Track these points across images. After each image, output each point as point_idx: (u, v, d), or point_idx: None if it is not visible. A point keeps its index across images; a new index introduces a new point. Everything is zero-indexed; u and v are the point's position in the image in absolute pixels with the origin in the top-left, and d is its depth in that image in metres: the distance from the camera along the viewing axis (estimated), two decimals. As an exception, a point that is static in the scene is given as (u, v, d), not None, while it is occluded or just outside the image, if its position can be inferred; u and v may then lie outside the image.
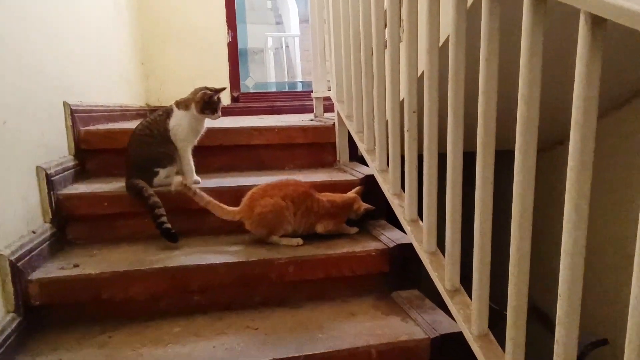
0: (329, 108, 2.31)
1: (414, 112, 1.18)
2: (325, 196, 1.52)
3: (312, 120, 2.25)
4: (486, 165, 0.88)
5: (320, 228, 1.48)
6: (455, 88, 0.95)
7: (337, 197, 1.54)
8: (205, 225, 1.58)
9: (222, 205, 1.43)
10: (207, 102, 1.58)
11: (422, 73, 1.08)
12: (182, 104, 1.62)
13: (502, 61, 0.84)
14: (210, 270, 1.30)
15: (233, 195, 1.56)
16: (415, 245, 1.20)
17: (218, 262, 1.31)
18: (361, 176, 1.68)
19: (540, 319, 2.10)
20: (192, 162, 1.65)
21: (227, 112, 3.02)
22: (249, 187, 1.54)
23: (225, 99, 3.16)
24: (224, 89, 1.64)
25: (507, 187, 0.94)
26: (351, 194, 1.57)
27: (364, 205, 1.54)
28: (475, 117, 0.88)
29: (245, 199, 1.45)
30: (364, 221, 1.64)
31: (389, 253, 1.40)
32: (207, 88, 1.61)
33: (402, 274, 1.41)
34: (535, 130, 0.76)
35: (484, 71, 0.84)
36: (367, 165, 1.62)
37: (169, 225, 1.44)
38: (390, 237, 1.46)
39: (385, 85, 1.37)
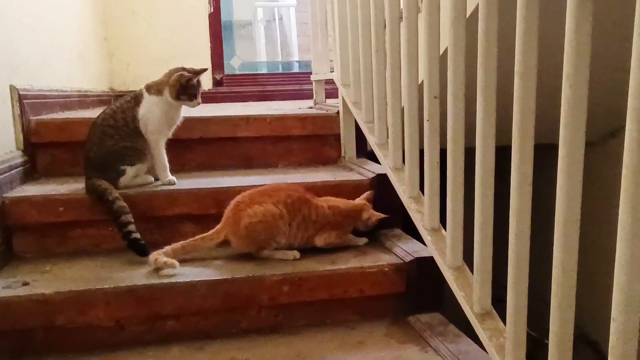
0: (331, 93, 2.32)
1: (435, 97, 1.18)
2: (327, 202, 1.52)
3: (311, 108, 2.25)
4: (524, 162, 0.87)
5: (320, 241, 1.48)
6: (485, 68, 0.95)
7: (342, 203, 1.54)
8: (181, 235, 1.57)
9: (196, 237, 1.43)
10: (184, 86, 1.58)
11: (446, 50, 1.08)
12: (154, 89, 1.62)
13: (542, 36, 0.84)
14: (188, 290, 1.30)
15: (215, 199, 1.57)
16: (437, 259, 1.20)
17: (197, 279, 1.31)
18: (371, 176, 1.68)
19: (589, 348, 2.09)
20: (165, 159, 1.65)
21: (209, 98, 3.04)
22: (235, 189, 1.54)
23: (206, 82, 3.16)
24: (204, 70, 1.64)
25: (546, 189, 0.93)
26: (360, 200, 1.57)
27: (376, 216, 1.54)
28: (509, 103, 0.88)
29: (228, 211, 1.45)
30: (374, 230, 1.63)
31: (405, 269, 1.40)
32: (184, 69, 1.61)
33: (420, 294, 1.40)
34: (583, 120, 0.75)
35: (521, 47, 0.84)
36: (378, 162, 1.62)
37: (137, 235, 1.45)
38: (407, 249, 1.46)
39: (400, 65, 1.37)
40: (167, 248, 1.39)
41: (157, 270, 1.34)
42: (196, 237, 1.43)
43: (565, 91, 0.75)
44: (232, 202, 1.45)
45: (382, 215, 1.54)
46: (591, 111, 0.76)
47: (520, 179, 0.88)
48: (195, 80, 1.60)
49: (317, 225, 1.48)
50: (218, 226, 1.44)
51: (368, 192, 1.60)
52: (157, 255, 1.36)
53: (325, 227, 1.49)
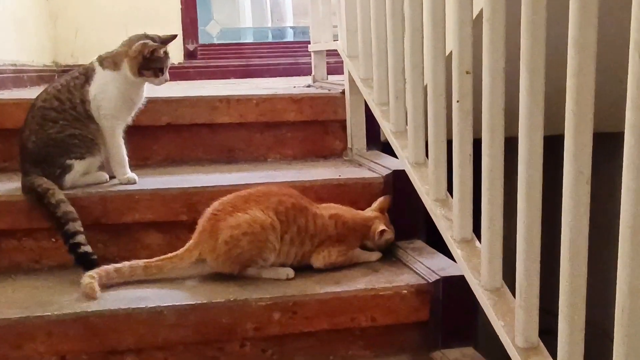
0: (335, 68, 2.32)
1: (467, 72, 1.17)
2: (328, 210, 1.53)
3: (309, 86, 2.25)
4: (580, 156, 0.87)
5: (318, 260, 1.49)
6: (532, 35, 0.94)
7: (347, 212, 1.55)
8: (144, 248, 1.59)
9: (163, 258, 1.43)
10: (147, 59, 1.59)
11: (481, 12, 1.07)
12: (109, 62, 1.62)
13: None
14: (152, 318, 1.30)
15: (186, 202, 1.57)
16: (470, 278, 1.20)
17: (164, 305, 1.30)
18: (386, 173, 1.68)
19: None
20: (124, 151, 1.65)
21: (179, 74, 3.04)
22: (212, 190, 1.55)
23: (175, 53, 3.15)
24: (173, 37, 1.64)
25: (611, 188, 0.93)
26: (371, 212, 1.58)
27: (388, 234, 1.56)
28: (560, 82, 0.88)
29: (203, 221, 1.45)
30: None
31: (429, 291, 1.40)
32: (147, 37, 1.61)
33: (448, 323, 1.40)
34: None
35: (576, 9, 0.83)
36: (394, 155, 1.62)
37: (88, 249, 1.45)
38: (431, 266, 1.46)
39: (422, 32, 1.36)
40: (121, 267, 1.39)
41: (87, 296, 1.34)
42: (162, 257, 1.43)
43: (632, 64, 0.75)
44: (208, 210, 1.45)
45: (391, 235, 1.56)
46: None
47: (576, 176, 0.88)
48: (161, 52, 1.60)
49: (315, 240, 1.48)
50: (191, 241, 1.44)
51: (382, 199, 1.61)
52: (90, 279, 1.34)
53: (325, 242, 1.49)
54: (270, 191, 1.49)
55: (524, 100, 0.98)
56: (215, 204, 1.46)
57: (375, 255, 1.57)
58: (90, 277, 1.35)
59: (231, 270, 1.43)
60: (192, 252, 1.43)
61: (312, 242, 1.48)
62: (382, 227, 1.54)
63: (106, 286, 1.37)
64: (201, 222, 1.45)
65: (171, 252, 1.47)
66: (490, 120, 1.09)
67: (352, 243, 1.54)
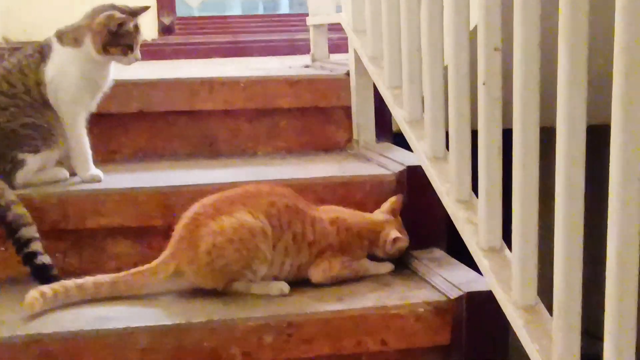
0: (338, 46, 2.32)
1: (495, 49, 1.18)
2: (329, 213, 1.54)
3: (307, 66, 2.26)
4: (628, 148, 0.87)
5: (318, 273, 1.50)
6: (572, 5, 0.95)
7: (351, 215, 1.56)
8: (111, 259, 1.59)
9: (134, 273, 1.43)
10: (114, 34, 1.59)
11: (511, -23, 1.08)
12: (70, 37, 1.63)
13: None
14: (120, 342, 1.30)
15: (161, 204, 1.58)
16: (499, 293, 1.20)
17: (135, 326, 1.31)
18: (399, 169, 1.69)
19: None
20: (87, 143, 1.66)
21: (153, 52, 3.04)
22: (192, 189, 1.56)
23: (149, 28, 3.16)
24: (145, 8, 1.65)
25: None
26: (381, 214, 1.59)
27: (402, 241, 1.56)
28: (606, 61, 0.88)
29: (180, 228, 1.45)
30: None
31: (451, 309, 1.40)
32: (114, 7, 1.62)
33: (473, 347, 1.40)
34: None
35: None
36: (409, 148, 1.63)
37: (46, 259, 1.45)
38: (453, 279, 1.46)
39: (442, 2, 1.36)
40: (83, 282, 1.39)
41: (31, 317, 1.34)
42: (133, 270, 1.43)
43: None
44: (187, 214, 1.46)
45: (404, 242, 1.56)
46: None
47: (626, 172, 0.88)
48: (131, 25, 1.60)
49: (314, 249, 1.48)
50: (166, 252, 1.45)
51: (394, 198, 1.61)
52: (38, 295, 1.34)
53: (326, 252, 1.50)
54: (260, 191, 1.49)
55: (563, 82, 0.98)
56: (195, 207, 1.46)
57: (386, 267, 1.58)
58: (39, 293, 1.34)
59: (215, 285, 1.44)
60: (168, 264, 1.43)
61: (310, 252, 1.48)
62: (394, 233, 1.54)
63: (65, 304, 1.38)
64: (178, 228, 1.45)
65: (143, 264, 1.47)
66: (523, 106, 1.09)
67: (358, 253, 1.54)
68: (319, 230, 1.49)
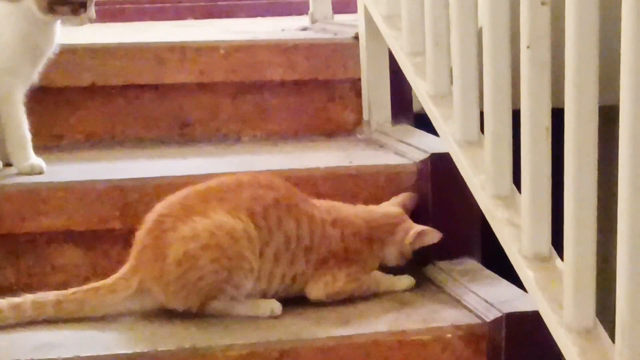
0: (345, 3, 2.32)
1: (542, 3, 1.17)
2: (330, 212, 1.54)
3: (305, 29, 2.26)
4: None
5: (318, 287, 1.51)
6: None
7: (356, 214, 1.57)
8: (56, 271, 1.60)
9: (86, 290, 1.43)
10: None
11: None
12: (4, -10, 1.63)
13: None
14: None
15: (120, 202, 1.59)
16: (547, 313, 1.20)
17: (85, 355, 1.30)
18: (421, 157, 1.70)
19: None
20: (25, 125, 1.67)
21: (110, 11, 3.04)
22: (159, 183, 1.57)
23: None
24: None
25: None
26: (391, 206, 1.60)
27: (429, 234, 1.56)
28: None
29: (142, 234, 1.46)
30: (427, 262, 1.65)
31: (487, 335, 1.41)
32: None
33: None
34: None
35: None
36: (433, 131, 1.63)
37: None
38: (489, 297, 1.47)
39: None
40: (20, 302, 1.39)
41: None
42: (85, 287, 1.44)
43: None
44: (151, 216, 1.46)
45: (434, 233, 1.56)
46: None
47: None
48: None
49: (312, 256, 1.49)
50: (127, 264, 1.45)
51: (405, 195, 1.63)
52: None
53: (328, 261, 1.50)
54: (241, 183, 1.50)
55: (628, 48, 0.97)
56: (160, 207, 1.47)
57: (405, 282, 1.58)
58: None
59: (187, 305, 1.44)
60: (128, 280, 1.43)
61: (307, 259, 1.48)
62: (418, 226, 1.55)
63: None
64: (141, 234, 1.46)
65: (96, 278, 1.49)
66: (579, 77, 1.09)
67: (368, 262, 1.55)
68: (319, 232, 1.50)
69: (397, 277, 1.58)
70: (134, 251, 1.45)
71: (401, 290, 1.57)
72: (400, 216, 1.57)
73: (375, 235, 1.55)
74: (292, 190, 1.51)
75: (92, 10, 1.64)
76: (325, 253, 1.50)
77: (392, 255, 1.57)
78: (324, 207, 1.54)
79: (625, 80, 0.91)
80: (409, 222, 1.57)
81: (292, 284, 1.49)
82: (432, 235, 1.55)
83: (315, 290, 1.50)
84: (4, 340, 1.36)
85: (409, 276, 1.59)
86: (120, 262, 1.50)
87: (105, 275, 1.48)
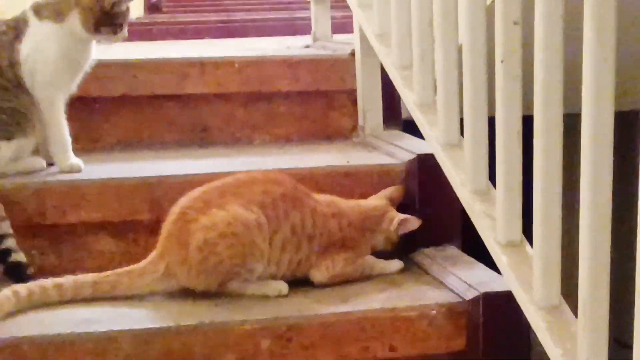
0: (343, 24, 2.32)
1: (515, 23, 1.18)
2: (331, 206, 1.54)
3: (308, 47, 2.26)
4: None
5: (320, 271, 1.51)
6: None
7: (350, 207, 1.56)
8: (93, 257, 1.60)
9: (119, 274, 1.44)
10: (108, 12, 1.60)
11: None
12: (50, 11, 1.63)
13: None
14: (102, 348, 1.30)
15: (148, 197, 1.59)
16: (518, 293, 1.20)
17: (118, 329, 1.31)
18: (408, 157, 1.69)
19: None
20: (66, 130, 1.67)
21: (139, 32, 3.05)
22: (181, 180, 1.57)
23: (134, 5, 3.13)
24: None
25: None
26: (378, 199, 1.60)
27: (410, 222, 1.55)
28: (635, 40, 0.88)
29: (169, 224, 1.46)
30: (414, 249, 1.65)
31: (466, 312, 1.41)
32: None
33: (491, 352, 1.40)
34: None
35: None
36: (420, 135, 1.63)
37: (21, 257, 1.47)
38: (468, 279, 1.47)
39: (456, -28, 1.37)
40: (62, 282, 1.40)
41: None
42: (118, 271, 1.44)
43: None
44: (175, 209, 1.46)
45: (413, 220, 1.55)
46: None
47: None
48: (125, 6, 1.63)
49: (314, 244, 1.49)
50: (154, 251, 1.45)
51: (393, 188, 1.62)
52: (7, 296, 1.34)
53: (328, 249, 1.51)
54: (253, 179, 1.50)
55: (589, 63, 0.97)
56: (183, 201, 1.46)
57: (395, 266, 1.58)
58: (12, 293, 1.35)
59: (207, 286, 1.44)
60: (156, 265, 1.44)
61: (310, 246, 1.48)
62: (400, 215, 1.56)
63: (42, 306, 1.38)
64: (166, 224, 1.46)
65: (128, 262, 1.48)
66: (545, 88, 1.09)
67: (362, 248, 1.56)
68: (320, 223, 1.50)
69: (389, 261, 1.58)
70: (161, 239, 1.45)
71: (392, 273, 1.57)
72: (385, 207, 1.57)
73: (367, 225, 1.55)
74: (297, 186, 1.51)
75: (125, 30, 1.65)
76: (325, 241, 1.50)
77: (381, 241, 1.57)
78: (324, 201, 1.54)
79: (587, 91, 0.91)
80: (394, 212, 1.57)
81: (297, 268, 1.49)
82: (413, 222, 1.55)
83: (318, 275, 1.50)
84: (48, 316, 1.36)
85: (399, 261, 1.59)
86: (148, 249, 1.50)
87: (135, 260, 1.48)
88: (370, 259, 1.57)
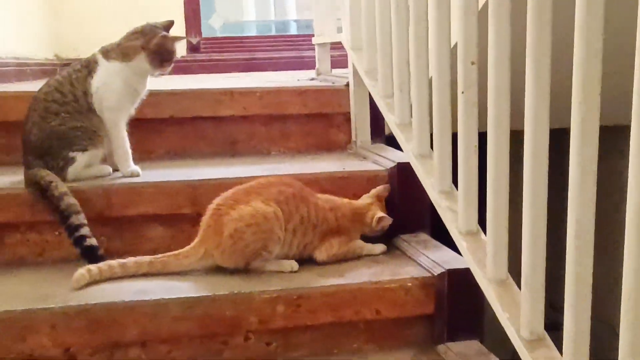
0: (339, 61, 2.32)
1: (472, 63, 1.18)
2: (328, 202, 1.55)
3: (313, 79, 2.26)
4: (587, 145, 0.87)
5: (321, 252, 1.51)
6: (538, 26, 0.95)
7: (345, 204, 1.57)
8: (147, 242, 1.60)
9: (169, 256, 1.45)
10: (165, 50, 1.63)
11: (486, 3, 1.08)
12: (117, 53, 1.64)
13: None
14: (156, 311, 1.30)
15: (190, 195, 1.58)
16: (475, 270, 1.20)
17: (168, 297, 1.31)
18: (390, 165, 1.69)
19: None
20: (127, 144, 1.67)
21: (182, 67, 3.05)
22: (216, 182, 1.56)
23: (179, 46, 3.15)
24: (171, 22, 1.68)
25: (616, 181, 0.93)
26: (368, 198, 1.60)
27: (386, 219, 1.56)
28: (566, 73, 0.88)
29: (207, 218, 1.46)
30: (394, 235, 1.64)
31: (434, 284, 1.41)
32: (156, 27, 1.65)
33: (454, 316, 1.41)
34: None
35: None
36: (399, 148, 1.63)
37: (93, 242, 1.47)
38: (436, 259, 1.47)
39: (427, 23, 1.36)
40: (125, 262, 1.41)
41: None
42: (169, 254, 1.45)
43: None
44: (211, 206, 1.47)
45: (388, 218, 1.56)
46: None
47: (582, 166, 0.88)
48: (176, 43, 1.65)
49: (317, 231, 1.50)
50: (196, 239, 1.46)
51: (381, 187, 1.62)
52: (85, 272, 1.36)
53: (327, 235, 1.51)
54: (270, 182, 1.50)
55: (530, 92, 0.98)
56: (217, 200, 1.47)
57: (379, 248, 1.58)
58: (86, 270, 1.36)
59: (236, 265, 1.44)
60: (197, 249, 1.44)
61: (314, 233, 1.49)
62: (380, 213, 1.55)
63: (109, 279, 1.39)
64: (205, 219, 1.46)
65: (174, 245, 1.49)
66: (496, 112, 1.10)
67: (353, 235, 1.56)
68: (321, 215, 1.50)
69: (375, 245, 1.58)
70: (201, 230, 1.46)
71: (377, 254, 1.57)
72: (369, 206, 1.57)
73: (355, 218, 1.55)
74: (303, 187, 1.52)
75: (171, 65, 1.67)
76: (325, 229, 1.50)
77: (367, 230, 1.57)
78: (324, 198, 1.55)
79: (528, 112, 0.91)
80: (376, 209, 1.57)
81: (304, 250, 1.49)
82: (387, 220, 1.56)
83: (320, 254, 1.50)
84: (114, 287, 1.37)
85: (383, 244, 1.59)
86: (190, 235, 1.50)
87: (180, 244, 1.49)
88: (360, 242, 1.57)
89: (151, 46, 1.61)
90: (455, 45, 1.21)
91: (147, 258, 1.43)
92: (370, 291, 1.39)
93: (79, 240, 1.45)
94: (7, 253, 1.55)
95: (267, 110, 1.95)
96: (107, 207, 1.56)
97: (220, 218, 1.43)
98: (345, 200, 1.59)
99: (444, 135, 1.33)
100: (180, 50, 3.26)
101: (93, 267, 1.39)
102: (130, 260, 1.42)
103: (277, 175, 1.58)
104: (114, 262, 1.40)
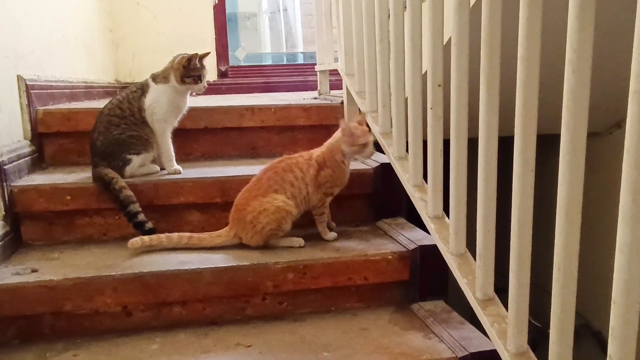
0: (336, 84, 2.32)
1: (438, 85, 1.18)
2: (306, 155, 1.52)
3: (315, 98, 2.26)
4: (526, 149, 0.88)
5: (314, 200, 1.49)
6: (489, 57, 0.95)
7: (319, 149, 1.53)
8: (187, 224, 1.60)
9: (204, 234, 1.45)
10: (186, 68, 1.60)
11: (449, 39, 1.08)
12: (160, 77, 1.64)
13: (546, 23, 0.84)
14: (194, 277, 1.31)
15: (220, 188, 1.58)
16: (440, 246, 1.21)
17: (203, 267, 1.32)
18: (375, 165, 1.69)
19: (592, 338, 2.10)
20: (171, 148, 1.67)
21: (214, 89, 3.04)
22: (240, 178, 1.56)
23: (211, 73, 3.16)
24: (206, 53, 1.66)
25: (550, 179, 0.94)
26: (336, 134, 1.54)
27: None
28: (512, 93, 0.88)
29: (233, 210, 1.48)
30: (378, 219, 1.64)
31: (409, 257, 1.41)
32: (186, 54, 1.63)
33: (424, 281, 1.42)
34: (586, 106, 0.76)
35: (524, 31, 0.84)
36: (382, 152, 1.62)
37: (151, 225, 1.49)
38: (411, 237, 1.47)
39: (404, 55, 1.37)
40: (171, 235, 1.42)
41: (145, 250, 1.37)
42: (205, 233, 1.45)
43: (568, 77, 0.76)
44: (236, 201, 1.47)
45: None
46: (596, 101, 0.77)
47: (523, 165, 0.89)
48: (196, 61, 1.62)
49: (306, 181, 1.47)
50: (228, 225, 1.48)
51: (358, 117, 1.56)
52: (137, 240, 1.40)
53: (318, 176, 1.48)
54: (266, 169, 1.49)
55: (483, 108, 0.98)
56: (241, 192, 1.47)
57: (332, 235, 1.53)
58: (139, 238, 1.40)
59: (257, 243, 1.44)
60: (228, 232, 1.46)
61: (307, 188, 1.47)
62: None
63: (157, 252, 1.40)
64: (233, 209, 1.47)
65: (207, 227, 1.50)
66: (456, 123, 1.10)
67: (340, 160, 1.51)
68: (305, 168, 1.48)
69: (358, 227, 1.59)
70: (230, 219, 1.47)
71: (366, 235, 1.56)
72: (340, 139, 1.51)
73: (334, 148, 1.52)
74: (285, 156, 1.52)
75: (204, 82, 1.65)
76: (313, 174, 1.48)
77: (354, 151, 1.49)
78: (305, 155, 1.53)
79: (482, 123, 0.90)
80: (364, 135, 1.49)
81: (306, 202, 1.48)
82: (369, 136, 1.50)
83: (314, 200, 1.49)
84: (161, 257, 1.38)
85: (334, 233, 1.54)
86: (220, 220, 1.52)
87: (213, 226, 1.51)
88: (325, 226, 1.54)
89: (175, 65, 1.61)
90: (426, 72, 1.22)
91: (187, 234, 1.44)
92: (360, 262, 1.40)
93: (140, 224, 1.48)
94: (78, 232, 1.56)
95: (280, 122, 1.95)
96: (156, 197, 1.57)
97: (244, 209, 1.43)
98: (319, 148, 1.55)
99: (417, 141, 1.33)
100: (212, 75, 3.27)
101: (145, 237, 1.40)
102: (175, 234, 1.43)
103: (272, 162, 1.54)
104: (162, 235, 1.42)
